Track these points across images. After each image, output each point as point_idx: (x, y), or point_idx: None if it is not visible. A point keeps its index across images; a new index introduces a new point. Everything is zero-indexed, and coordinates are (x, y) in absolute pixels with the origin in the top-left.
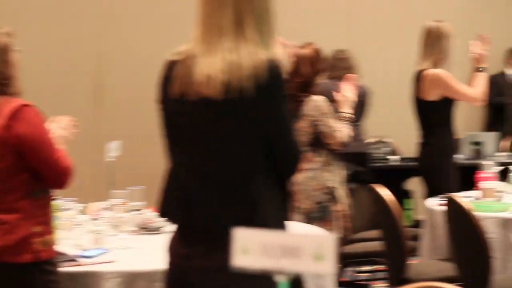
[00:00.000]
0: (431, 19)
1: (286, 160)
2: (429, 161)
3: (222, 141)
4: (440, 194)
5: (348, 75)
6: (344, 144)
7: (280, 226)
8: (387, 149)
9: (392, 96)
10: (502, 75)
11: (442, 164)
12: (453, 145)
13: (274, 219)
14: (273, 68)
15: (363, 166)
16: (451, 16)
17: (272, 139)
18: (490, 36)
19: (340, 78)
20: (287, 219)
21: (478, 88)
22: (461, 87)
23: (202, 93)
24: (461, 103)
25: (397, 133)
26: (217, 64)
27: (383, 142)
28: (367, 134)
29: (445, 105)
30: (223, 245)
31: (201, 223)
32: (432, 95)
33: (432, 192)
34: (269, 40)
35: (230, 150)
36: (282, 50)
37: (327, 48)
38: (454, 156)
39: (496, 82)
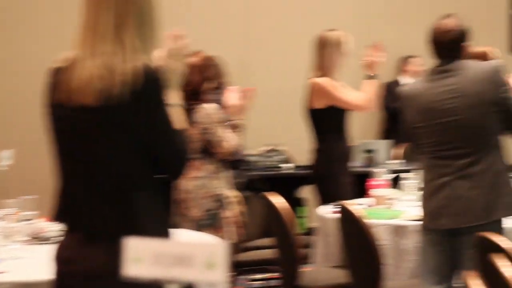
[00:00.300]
0: (326, 28)
1: (171, 165)
2: (320, 168)
3: (102, 148)
4: (332, 201)
5: (235, 86)
6: (231, 154)
7: (163, 232)
8: (281, 157)
9: (285, 104)
10: (396, 83)
11: (333, 172)
12: (344, 152)
13: (157, 225)
14: (149, 73)
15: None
16: (347, 25)
17: (153, 145)
18: (385, 44)
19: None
20: (170, 225)
21: (364, 95)
22: (345, 95)
23: (80, 100)
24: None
25: (290, 141)
26: (94, 70)
27: (277, 150)
28: (261, 142)
29: (333, 113)
30: (106, 251)
31: (85, 229)
32: (319, 104)
33: (323, 199)
34: (150, 45)
35: (109, 157)
36: (171, 51)
37: (224, 56)
38: (347, 163)
39: (391, 90)
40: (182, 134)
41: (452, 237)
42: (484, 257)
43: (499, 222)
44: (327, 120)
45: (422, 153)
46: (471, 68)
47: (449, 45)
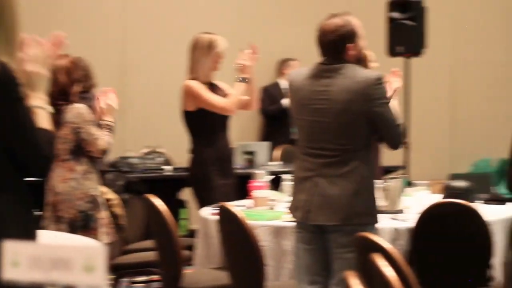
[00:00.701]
0: (206, 29)
1: (32, 165)
2: (193, 171)
3: None
4: (206, 203)
5: (107, 88)
6: (104, 152)
7: (28, 235)
8: (161, 159)
9: (165, 105)
10: (275, 85)
11: (206, 174)
12: (219, 155)
13: (20, 228)
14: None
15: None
16: (228, 27)
17: (12, 144)
18: (266, 46)
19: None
20: (37, 228)
21: (231, 98)
22: (211, 97)
23: None
24: (238, 112)
25: (170, 143)
26: None
27: (157, 152)
28: (141, 144)
29: (204, 115)
30: None
31: None
32: (190, 106)
33: (198, 201)
34: (8, 47)
35: None
36: (36, 55)
37: (102, 57)
38: (223, 165)
39: (270, 93)
40: (44, 134)
41: (321, 235)
42: (363, 257)
43: (370, 227)
44: (199, 123)
45: (298, 145)
46: (349, 74)
47: (332, 45)
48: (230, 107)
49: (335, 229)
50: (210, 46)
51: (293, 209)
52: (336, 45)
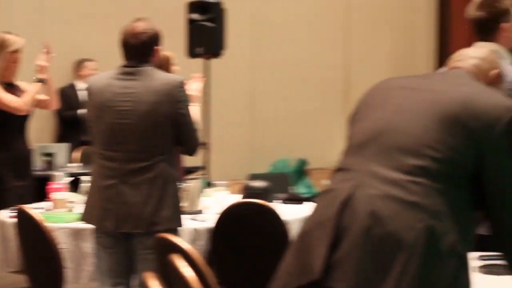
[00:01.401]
0: (3, 30)
1: None
2: None
3: None
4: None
5: None
6: None
7: None
8: None
9: None
10: (71, 87)
11: None
12: (12, 156)
13: None
14: None
15: None
16: (27, 27)
17: None
18: (63, 47)
19: None
20: None
21: (24, 97)
22: (3, 97)
23: None
24: (36, 114)
25: None
26: None
27: None
28: None
29: None
30: None
31: None
32: None
33: None
34: None
35: None
36: None
37: None
38: (16, 166)
39: (67, 95)
40: None
41: (124, 240)
42: (162, 258)
43: (173, 231)
44: None
45: (94, 152)
46: (154, 77)
47: (137, 48)
48: (22, 107)
49: (141, 234)
50: (1, 46)
51: (95, 218)
52: (144, 47)
